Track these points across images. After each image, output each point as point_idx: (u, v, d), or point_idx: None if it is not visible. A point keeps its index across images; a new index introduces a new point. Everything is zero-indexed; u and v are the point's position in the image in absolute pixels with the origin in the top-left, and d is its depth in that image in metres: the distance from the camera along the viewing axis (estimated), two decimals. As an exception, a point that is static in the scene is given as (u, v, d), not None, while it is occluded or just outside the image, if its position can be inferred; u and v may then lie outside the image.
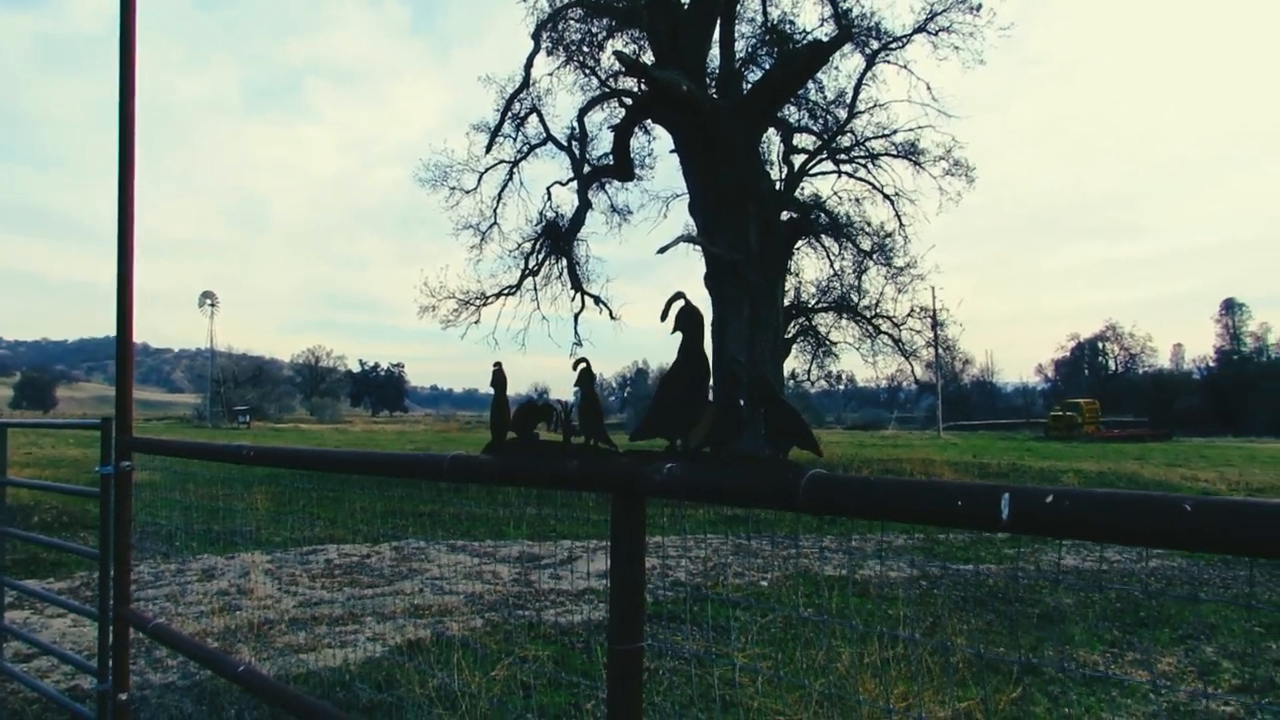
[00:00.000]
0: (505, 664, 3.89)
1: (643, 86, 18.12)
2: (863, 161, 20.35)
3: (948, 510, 1.10)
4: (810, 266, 26.39)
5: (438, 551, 7.81)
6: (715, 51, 18.97)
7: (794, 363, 23.17)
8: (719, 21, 18.49)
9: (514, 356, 21.44)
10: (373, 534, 7.87)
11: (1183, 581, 6.96)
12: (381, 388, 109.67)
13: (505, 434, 1.87)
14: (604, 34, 20.31)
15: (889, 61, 19.03)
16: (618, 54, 18.12)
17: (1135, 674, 4.42)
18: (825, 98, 20.24)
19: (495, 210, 20.88)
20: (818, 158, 20.56)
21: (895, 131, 19.69)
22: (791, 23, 19.51)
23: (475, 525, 9.08)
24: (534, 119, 20.48)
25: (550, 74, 20.99)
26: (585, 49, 20.37)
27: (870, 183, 20.32)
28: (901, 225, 20.18)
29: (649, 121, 19.67)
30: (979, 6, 17.52)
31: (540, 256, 20.97)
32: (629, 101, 19.33)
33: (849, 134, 20.16)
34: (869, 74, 19.27)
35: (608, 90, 20.21)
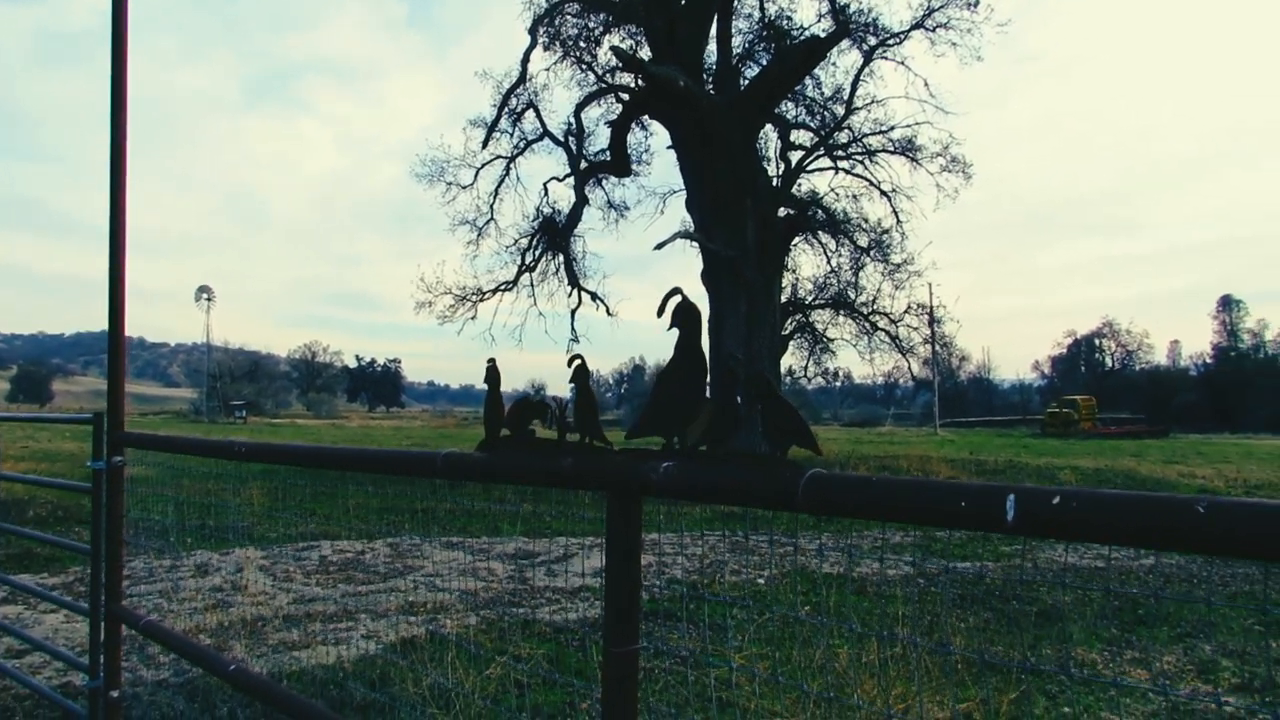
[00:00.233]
0: (500, 663, 3.87)
1: (640, 82, 18.06)
2: (860, 158, 20.35)
3: (952, 511, 1.07)
4: (807, 263, 26.50)
5: (432, 548, 7.79)
6: (712, 47, 18.94)
7: (791, 359, 23.21)
8: (716, 17, 18.44)
9: (511, 352, 21.39)
10: (368, 530, 7.85)
11: (1181, 580, 6.96)
12: (378, 383, 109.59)
13: (499, 431, 1.84)
14: (601, 29, 20.26)
15: (886, 58, 19.04)
16: (615, 49, 18.07)
17: (1134, 673, 4.41)
18: (822, 94, 20.26)
19: (492, 206, 20.87)
20: (815, 154, 20.55)
21: (893, 128, 19.72)
22: (789, 18, 19.50)
23: (471, 521, 9.05)
24: (531, 114, 20.47)
25: (547, 69, 20.95)
26: (582, 44, 20.33)
27: (867, 179, 20.34)
28: (899, 222, 20.23)
29: (646, 117, 19.63)
30: (976, 3, 17.56)
31: (537, 252, 20.92)
32: (626, 97, 19.27)
33: (846, 130, 20.17)
34: (866, 70, 19.29)
35: (605, 86, 20.14)
